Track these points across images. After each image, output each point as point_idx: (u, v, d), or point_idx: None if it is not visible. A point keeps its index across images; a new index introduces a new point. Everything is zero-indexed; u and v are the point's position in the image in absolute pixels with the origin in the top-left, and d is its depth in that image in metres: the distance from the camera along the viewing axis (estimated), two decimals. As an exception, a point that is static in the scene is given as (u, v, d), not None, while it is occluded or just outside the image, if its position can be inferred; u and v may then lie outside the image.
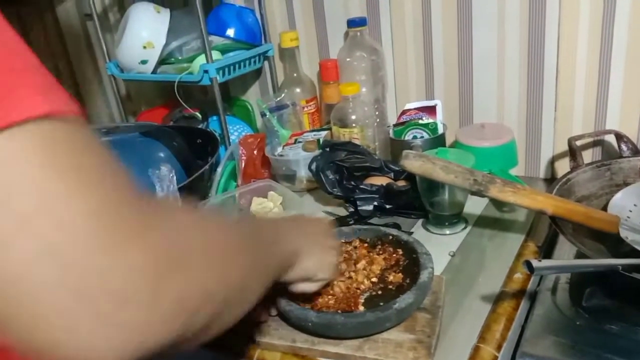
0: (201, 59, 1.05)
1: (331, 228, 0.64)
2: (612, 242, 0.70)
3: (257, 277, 0.40)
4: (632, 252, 0.64)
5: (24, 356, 0.30)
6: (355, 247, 0.72)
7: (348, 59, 1.04)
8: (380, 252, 0.70)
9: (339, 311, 0.59)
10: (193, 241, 0.31)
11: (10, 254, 0.24)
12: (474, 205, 0.88)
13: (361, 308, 0.60)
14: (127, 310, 0.25)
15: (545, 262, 0.55)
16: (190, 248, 0.30)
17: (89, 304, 0.25)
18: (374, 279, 0.65)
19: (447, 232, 0.83)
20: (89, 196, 0.26)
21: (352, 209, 0.90)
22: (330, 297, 0.62)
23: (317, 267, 0.55)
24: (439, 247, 0.77)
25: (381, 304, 0.60)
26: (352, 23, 1.02)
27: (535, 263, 0.53)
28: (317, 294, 0.62)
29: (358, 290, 0.63)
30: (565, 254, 0.73)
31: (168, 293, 0.27)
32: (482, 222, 0.85)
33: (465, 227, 0.84)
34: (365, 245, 0.72)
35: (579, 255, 0.70)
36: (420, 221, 0.87)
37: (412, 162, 0.72)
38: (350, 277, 0.65)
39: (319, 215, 0.71)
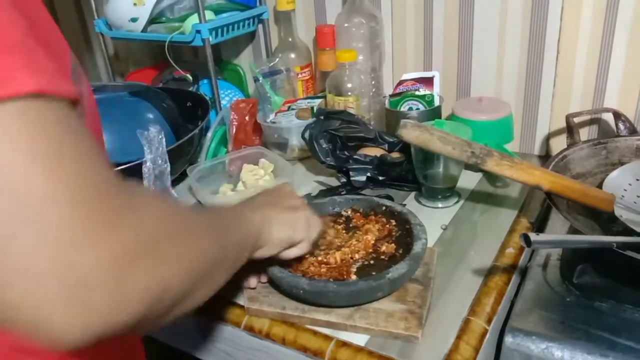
0: (193, 19, 1.01)
1: (289, 188, 0.62)
2: (605, 220, 0.70)
3: (222, 263, 0.40)
4: (624, 231, 0.64)
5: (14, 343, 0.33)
6: (349, 217, 0.71)
7: (346, 25, 1.01)
8: (374, 223, 0.69)
9: (331, 279, 0.58)
10: (162, 229, 0.32)
11: None
12: (468, 180, 0.88)
13: (353, 277, 0.59)
14: (94, 293, 0.26)
15: (543, 236, 0.54)
16: (159, 236, 0.31)
17: (52, 286, 0.25)
18: (369, 249, 0.64)
19: (440, 205, 0.83)
20: (65, 180, 0.26)
21: (344, 179, 0.88)
22: (323, 265, 0.61)
23: (289, 231, 0.54)
24: (431, 220, 0.76)
25: (373, 273, 0.59)
26: (352, -13, 0.99)
27: (533, 236, 0.52)
28: (313, 254, 0.61)
29: (351, 260, 0.62)
30: (558, 230, 0.73)
31: (134, 278, 0.28)
32: (475, 196, 0.85)
33: (458, 201, 0.83)
34: (358, 215, 0.71)
35: (572, 232, 0.70)
36: (412, 194, 0.87)
37: (410, 132, 0.70)
38: (346, 247, 0.64)
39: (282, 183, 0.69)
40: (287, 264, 0.59)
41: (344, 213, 0.72)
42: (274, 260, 0.57)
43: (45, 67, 0.28)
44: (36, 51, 0.28)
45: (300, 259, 0.60)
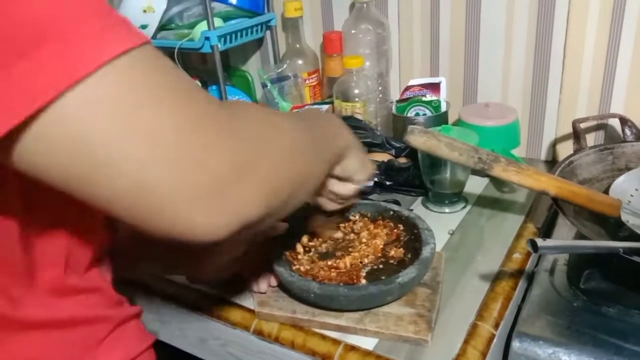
0: (202, 26, 1.03)
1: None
2: (612, 226, 0.70)
3: (319, 165, 0.46)
4: (631, 236, 0.65)
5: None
6: (356, 222, 0.72)
7: (353, 31, 1.02)
8: (381, 227, 0.70)
9: (341, 284, 0.59)
10: (272, 139, 0.37)
11: (127, 163, 0.29)
12: (474, 185, 0.88)
13: (363, 281, 0.60)
14: (220, 190, 0.32)
15: (550, 242, 0.55)
16: (270, 145, 0.37)
17: (189, 180, 0.30)
18: (378, 253, 0.65)
19: (447, 210, 0.83)
20: (186, 102, 0.31)
21: (351, 184, 0.89)
22: (332, 269, 0.62)
23: (357, 167, 0.57)
24: (438, 225, 0.77)
25: (382, 277, 0.60)
26: (359, -6, 1.00)
27: (540, 242, 0.52)
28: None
29: (361, 264, 0.63)
30: (564, 236, 0.73)
31: (253, 183, 0.34)
32: (482, 201, 0.85)
33: (465, 206, 0.84)
34: (366, 219, 0.72)
35: (578, 237, 0.70)
36: (420, 199, 0.87)
37: (417, 138, 0.71)
38: (356, 251, 0.65)
39: None
40: (305, 272, 0.60)
41: (352, 218, 0.73)
42: (282, 263, 0.57)
43: (124, 22, 0.31)
44: (112, 12, 0.31)
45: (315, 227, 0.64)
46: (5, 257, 0.37)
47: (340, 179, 0.58)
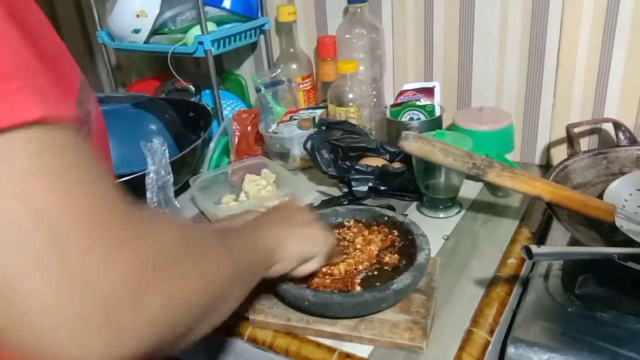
0: (196, 30, 1.02)
1: (297, 204, 0.62)
2: (606, 230, 0.70)
3: (240, 282, 0.41)
4: (625, 241, 0.65)
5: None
6: (350, 227, 0.72)
7: (347, 36, 1.02)
8: (376, 233, 0.69)
9: (336, 291, 0.58)
10: (176, 250, 0.32)
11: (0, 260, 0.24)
12: (469, 190, 0.88)
13: (358, 288, 0.60)
14: (112, 317, 0.26)
15: (544, 249, 0.55)
16: (174, 257, 0.31)
17: (76, 309, 0.25)
18: (373, 260, 0.65)
19: (441, 215, 0.83)
20: (79, 205, 0.26)
21: (346, 190, 0.89)
22: (327, 276, 0.61)
23: (305, 246, 0.54)
24: (432, 230, 0.76)
25: (377, 284, 0.60)
26: (353, -1, 1.00)
27: (534, 249, 0.53)
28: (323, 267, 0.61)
29: (355, 270, 0.63)
30: (559, 240, 0.73)
31: (151, 303, 0.28)
32: (477, 206, 0.85)
33: (459, 211, 0.84)
34: (360, 225, 0.72)
35: (573, 241, 0.70)
36: (414, 204, 0.87)
37: (411, 143, 0.71)
38: (350, 257, 0.65)
39: (286, 199, 0.69)
40: (300, 280, 0.59)
41: (346, 223, 0.73)
42: (286, 277, 0.56)
43: (49, 92, 0.27)
44: (38, 76, 0.28)
45: (313, 274, 0.59)
46: None
47: (298, 264, 0.55)
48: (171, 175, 0.84)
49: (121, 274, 0.27)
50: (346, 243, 0.69)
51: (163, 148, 0.84)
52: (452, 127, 0.94)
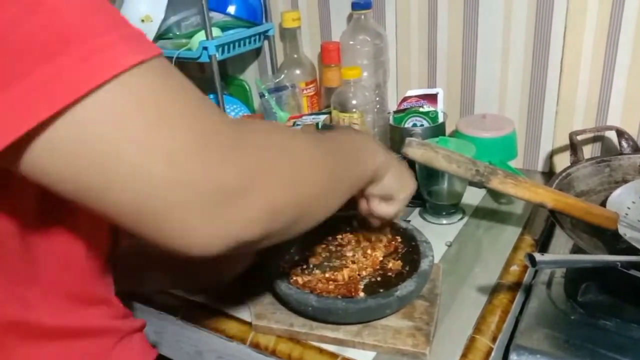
0: (200, 35, 1.03)
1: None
2: (609, 238, 0.70)
3: (336, 189, 0.45)
4: (628, 249, 0.65)
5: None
6: (354, 233, 0.72)
7: (351, 42, 1.03)
8: (379, 239, 0.70)
9: (339, 296, 0.59)
10: (279, 157, 0.37)
11: (136, 178, 0.30)
12: (472, 196, 0.88)
13: (361, 294, 0.60)
14: (227, 211, 0.32)
15: (548, 256, 0.55)
16: (277, 163, 0.36)
17: (198, 197, 0.31)
18: (376, 266, 0.65)
19: (444, 221, 0.83)
20: (195, 120, 0.32)
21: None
22: (331, 282, 0.61)
23: (396, 186, 0.57)
24: (435, 236, 0.77)
25: (380, 290, 0.60)
26: (357, 5, 1.00)
27: (537, 257, 0.53)
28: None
29: (359, 277, 0.63)
30: (561, 247, 0.73)
31: (256, 200, 0.33)
32: (480, 213, 0.85)
33: (462, 218, 0.84)
34: (364, 231, 0.72)
35: (575, 249, 0.70)
36: (417, 210, 0.87)
37: (414, 150, 0.71)
38: (353, 263, 0.65)
39: None
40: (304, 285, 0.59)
41: (349, 229, 0.73)
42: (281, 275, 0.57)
43: (136, 34, 0.31)
44: (123, 22, 0.31)
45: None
46: (21, 265, 0.37)
47: (382, 198, 0.58)
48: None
49: (233, 173, 0.32)
50: (350, 248, 0.69)
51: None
52: (455, 134, 0.94)
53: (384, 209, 0.59)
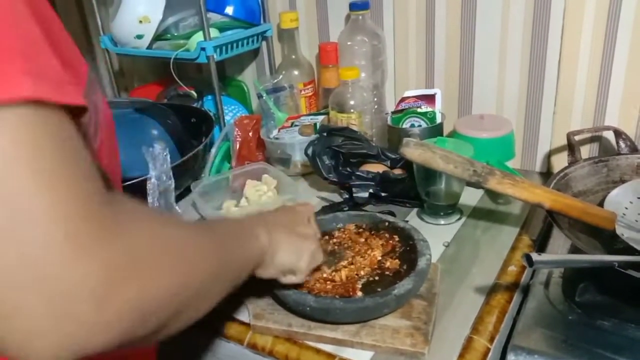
0: (198, 36, 1.03)
1: (308, 213, 0.62)
2: (607, 238, 0.70)
3: (218, 280, 0.40)
4: (625, 249, 0.65)
5: None
6: (351, 233, 0.72)
7: (349, 43, 1.03)
8: (377, 239, 0.70)
9: (337, 296, 0.59)
10: (151, 249, 0.31)
11: None
12: (469, 197, 0.88)
13: (359, 293, 0.60)
14: (78, 307, 0.26)
15: (545, 256, 0.55)
16: (148, 257, 0.31)
17: (43, 297, 0.26)
18: (374, 265, 0.65)
19: (442, 222, 0.83)
20: (55, 198, 0.26)
21: (347, 196, 0.89)
22: (328, 282, 0.61)
23: (293, 258, 0.54)
24: (433, 237, 0.76)
25: (378, 289, 0.60)
26: (355, 6, 1.00)
27: (535, 257, 0.53)
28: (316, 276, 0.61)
29: (356, 276, 0.63)
30: (559, 248, 0.73)
31: (120, 299, 0.28)
32: (477, 213, 0.85)
33: (460, 218, 0.84)
34: (361, 231, 0.72)
35: (573, 249, 0.70)
36: (415, 210, 0.87)
37: (412, 150, 0.71)
38: (351, 263, 0.65)
39: (302, 201, 0.70)
40: (298, 285, 0.59)
41: (347, 229, 0.72)
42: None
43: (50, 74, 0.28)
44: (42, 58, 0.28)
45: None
46: None
47: (284, 273, 0.55)
48: (172, 180, 0.85)
49: (88, 267, 0.27)
50: (346, 247, 0.69)
51: (165, 153, 0.84)
52: (453, 135, 0.94)
53: (291, 280, 0.56)
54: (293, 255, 0.54)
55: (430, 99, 0.97)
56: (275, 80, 1.09)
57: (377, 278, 0.63)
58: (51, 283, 0.26)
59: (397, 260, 0.65)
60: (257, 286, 0.65)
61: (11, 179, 0.25)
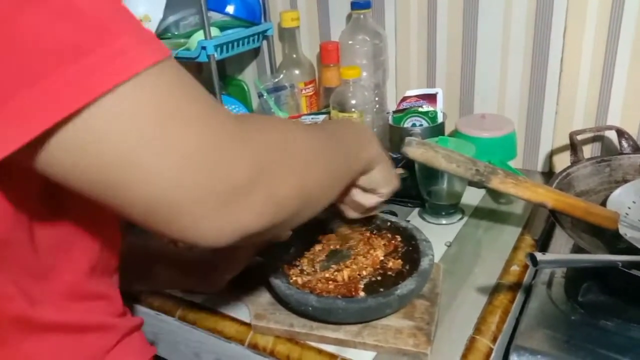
0: (199, 35, 1.02)
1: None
2: (609, 238, 0.70)
3: (334, 179, 0.47)
4: (628, 249, 0.64)
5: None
6: (353, 233, 0.71)
7: (350, 42, 1.02)
8: (379, 239, 0.69)
9: (339, 296, 0.58)
10: (282, 151, 0.38)
11: (149, 175, 0.31)
12: (471, 196, 0.88)
13: (361, 293, 0.59)
14: (237, 205, 0.34)
15: (549, 256, 0.54)
16: (281, 157, 0.38)
17: (209, 200, 0.33)
18: (376, 265, 0.65)
19: (444, 222, 0.83)
20: (207, 120, 0.33)
21: (348, 195, 0.89)
22: (330, 282, 0.61)
23: (382, 180, 0.58)
24: (435, 236, 0.76)
25: (381, 289, 0.59)
26: (356, 5, 1.00)
27: (539, 256, 0.52)
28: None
29: (359, 276, 0.63)
30: (562, 248, 0.73)
31: (263, 194, 0.35)
32: (479, 213, 0.85)
33: (461, 218, 0.84)
34: (363, 230, 0.72)
35: (575, 249, 0.70)
36: (416, 210, 0.87)
37: (414, 150, 0.71)
38: (354, 263, 0.64)
39: None
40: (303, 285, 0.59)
41: (349, 229, 0.72)
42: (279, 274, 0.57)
43: (151, 35, 0.32)
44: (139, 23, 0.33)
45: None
46: (29, 260, 0.38)
47: (365, 189, 0.59)
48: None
49: (243, 169, 0.34)
50: (349, 247, 0.69)
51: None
52: (455, 134, 0.94)
53: (364, 200, 0.60)
54: (384, 177, 0.58)
55: (431, 98, 0.96)
56: (276, 80, 1.09)
57: (379, 278, 0.63)
58: (211, 184, 0.32)
59: (399, 260, 0.65)
60: (258, 286, 0.65)
61: (187, 104, 0.32)
